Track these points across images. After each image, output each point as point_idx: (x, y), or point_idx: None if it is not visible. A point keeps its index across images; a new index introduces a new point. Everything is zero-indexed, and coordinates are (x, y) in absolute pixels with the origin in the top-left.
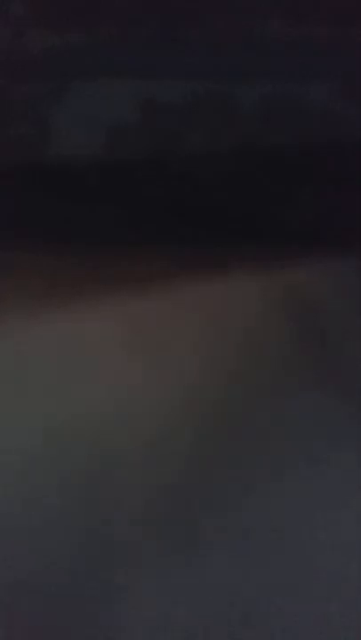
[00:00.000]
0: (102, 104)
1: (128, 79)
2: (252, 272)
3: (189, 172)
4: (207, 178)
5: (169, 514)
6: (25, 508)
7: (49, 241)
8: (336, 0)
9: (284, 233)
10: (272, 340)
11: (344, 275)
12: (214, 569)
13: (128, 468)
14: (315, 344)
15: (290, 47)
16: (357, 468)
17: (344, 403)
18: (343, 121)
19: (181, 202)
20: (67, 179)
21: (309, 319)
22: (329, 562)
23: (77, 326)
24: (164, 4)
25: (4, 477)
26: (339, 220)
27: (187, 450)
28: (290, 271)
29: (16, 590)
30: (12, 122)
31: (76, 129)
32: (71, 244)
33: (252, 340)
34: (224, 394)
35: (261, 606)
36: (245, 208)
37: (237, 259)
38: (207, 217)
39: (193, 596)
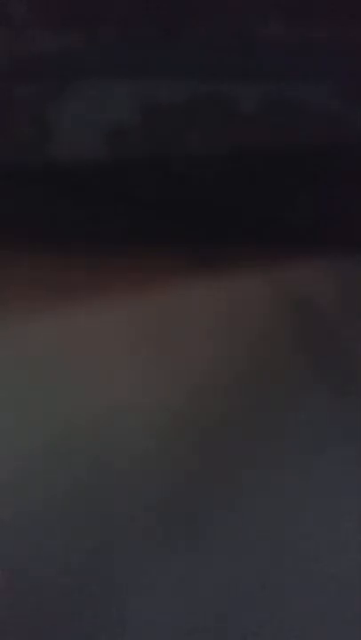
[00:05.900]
0: (102, 104)
1: (128, 79)
2: (253, 272)
3: (189, 172)
4: (207, 178)
5: (169, 514)
6: (24, 508)
7: (49, 241)
8: (336, 0)
9: (285, 233)
10: (273, 340)
11: (345, 275)
12: (215, 568)
13: (128, 468)
14: (316, 344)
15: (290, 47)
16: (359, 468)
17: (346, 403)
18: (343, 121)
19: (181, 202)
20: (66, 179)
21: (310, 319)
22: (331, 561)
23: (77, 326)
24: (164, 4)
25: (3, 477)
26: (339, 219)
27: (187, 449)
28: (290, 271)
29: (15, 590)
30: (12, 122)
31: (75, 129)
32: (71, 244)
33: (252, 339)
34: (225, 393)
35: (263, 606)
36: (245, 208)
37: (237, 259)
38: (207, 217)
39: (194, 596)
